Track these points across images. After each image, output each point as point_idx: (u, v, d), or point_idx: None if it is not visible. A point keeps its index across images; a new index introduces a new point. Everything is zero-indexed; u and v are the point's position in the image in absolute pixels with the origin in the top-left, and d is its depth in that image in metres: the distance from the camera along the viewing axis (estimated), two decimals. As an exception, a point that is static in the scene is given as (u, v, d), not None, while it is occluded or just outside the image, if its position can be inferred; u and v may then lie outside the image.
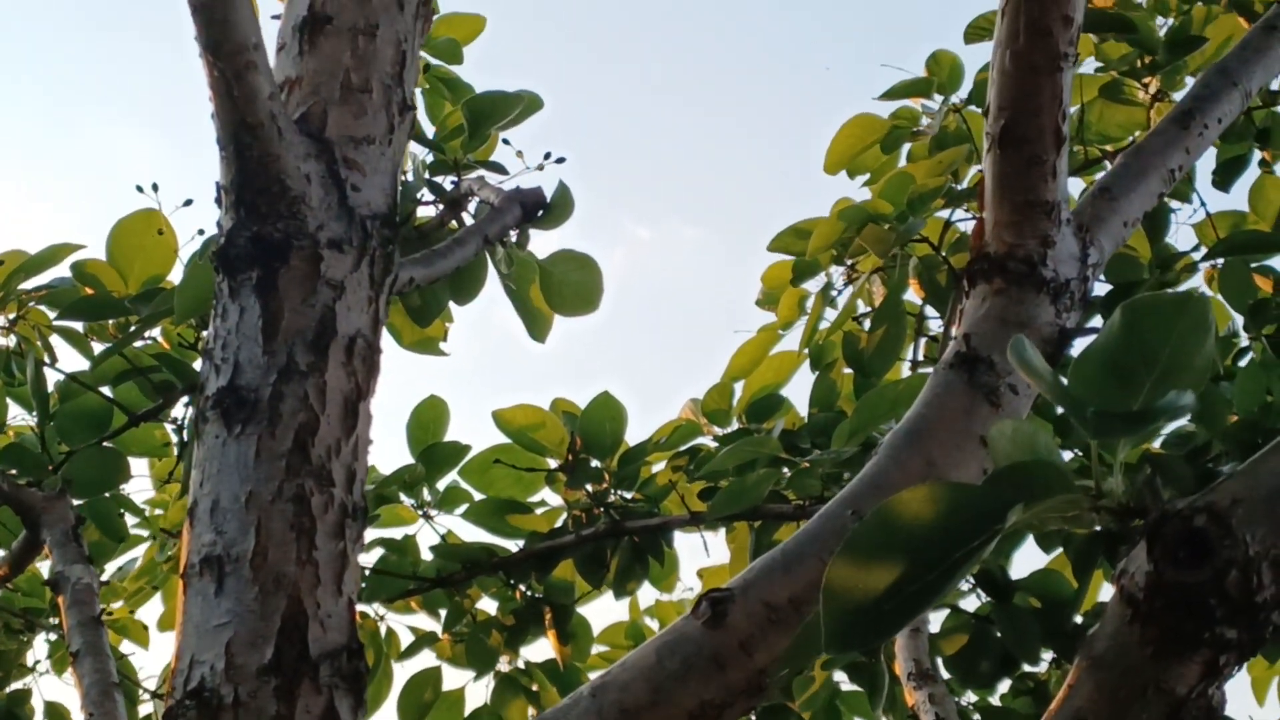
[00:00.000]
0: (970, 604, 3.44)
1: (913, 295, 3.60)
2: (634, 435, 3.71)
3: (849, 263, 3.62)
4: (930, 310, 3.72)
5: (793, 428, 3.65)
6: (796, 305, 3.77)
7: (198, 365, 3.10)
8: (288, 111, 2.05)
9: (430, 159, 3.05)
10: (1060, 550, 3.42)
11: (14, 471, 3.09)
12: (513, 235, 2.91)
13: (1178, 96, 3.68)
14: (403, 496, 3.75)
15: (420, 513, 3.76)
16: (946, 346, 3.12)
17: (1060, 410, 2.00)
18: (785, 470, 3.42)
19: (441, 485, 3.74)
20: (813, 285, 3.70)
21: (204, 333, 3.06)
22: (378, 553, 3.76)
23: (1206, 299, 1.34)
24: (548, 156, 3.04)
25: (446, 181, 3.00)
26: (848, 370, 3.73)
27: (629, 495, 3.72)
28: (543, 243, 3.10)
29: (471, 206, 2.98)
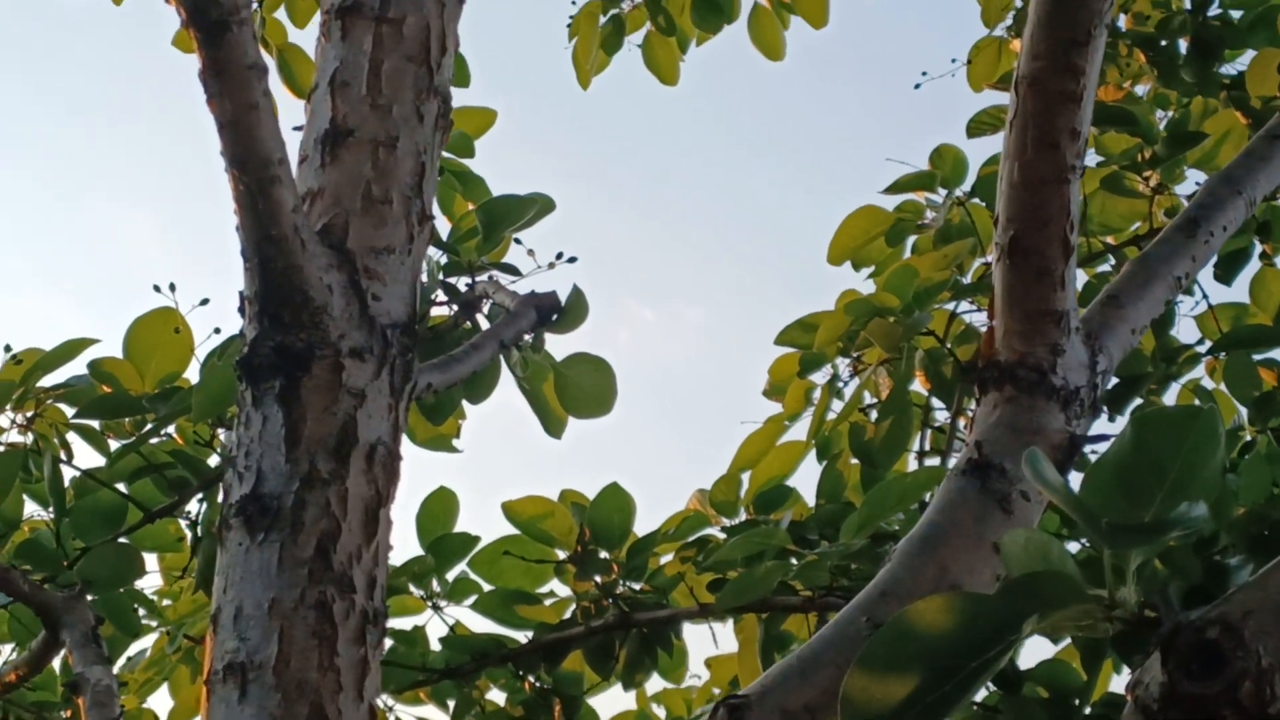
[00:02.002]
0: (978, 694, 3.44)
1: (919, 387, 3.63)
2: (642, 525, 3.73)
3: (855, 355, 3.65)
4: (936, 402, 3.75)
5: (800, 518, 3.67)
6: (803, 397, 3.80)
7: (213, 462, 3.13)
8: (310, 222, 2.10)
9: (445, 260, 3.09)
10: (1068, 641, 3.43)
11: (28, 567, 3.10)
12: (528, 338, 2.95)
13: (1178, 189, 3.74)
14: (412, 587, 3.76)
15: (429, 603, 3.77)
16: (951, 439, 3.15)
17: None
18: (794, 561, 3.43)
19: (451, 576, 3.75)
20: (819, 377, 3.74)
21: (219, 430, 3.10)
22: (387, 643, 3.77)
23: (1216, 410, 1.37)
24: (559, 256, 3.10)
25: (461, 283, 3.05)
26: (855, 461, 3.75)
27: (637, 586, 3.73)
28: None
29: (485, 307, 3.03)
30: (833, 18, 4.53)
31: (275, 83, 3.92)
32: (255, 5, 4.13)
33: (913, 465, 3.81)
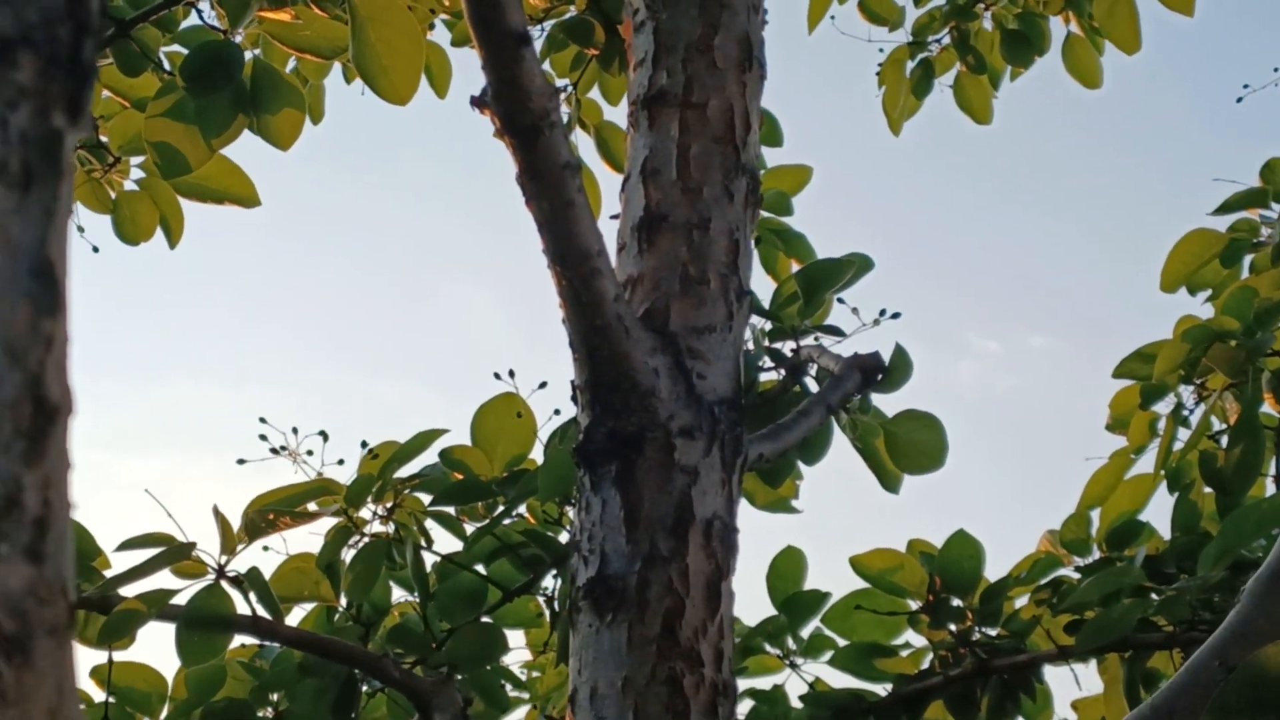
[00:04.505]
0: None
1: (1269, 409, 3.52)
2: (991, 569, 3.69)
3: (1198, 381, 3.57)
4: (1289, 423, 3.62)
5: (1155, 552, 3.59)
6: (1147, 428, 3.72)
7: (563, 538, 3.23)
8: (632, 308, 2.17)
9: (770, 327, 3.14)
10: None
11: (400, 650, 3.25)
12: (855, 399, 2.97)
13: None
14: (768, 646, 3.80)
15: (786, 661, 3.80)
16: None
17: None
18: (1153, 597, 3.36)
19: (805, 633, 3.78)
20: (1162, 407, 3.65)
21: (567, 508, 3.20)
22: (748, 704, 3.81)
23: None
24: (883, 313, 3.11)
25: (786, 348, 3.09)
26: (1208, 490, 3.65)
27: (994, 632, 3.69)
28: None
29: (812, 370, 3.06)
30: (1145, 40, 4.45)
31: (596, 161, 4.05)
32: (570, 87, 4.24)
33: (1270, 489, 3.69)
